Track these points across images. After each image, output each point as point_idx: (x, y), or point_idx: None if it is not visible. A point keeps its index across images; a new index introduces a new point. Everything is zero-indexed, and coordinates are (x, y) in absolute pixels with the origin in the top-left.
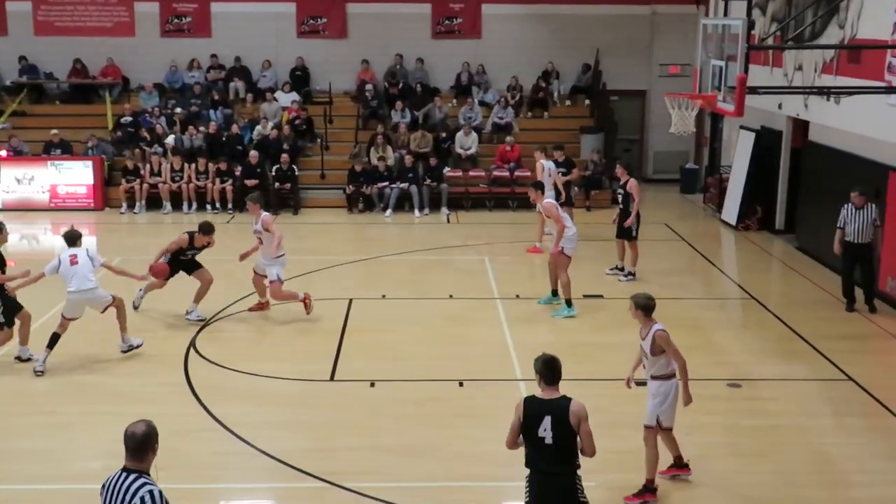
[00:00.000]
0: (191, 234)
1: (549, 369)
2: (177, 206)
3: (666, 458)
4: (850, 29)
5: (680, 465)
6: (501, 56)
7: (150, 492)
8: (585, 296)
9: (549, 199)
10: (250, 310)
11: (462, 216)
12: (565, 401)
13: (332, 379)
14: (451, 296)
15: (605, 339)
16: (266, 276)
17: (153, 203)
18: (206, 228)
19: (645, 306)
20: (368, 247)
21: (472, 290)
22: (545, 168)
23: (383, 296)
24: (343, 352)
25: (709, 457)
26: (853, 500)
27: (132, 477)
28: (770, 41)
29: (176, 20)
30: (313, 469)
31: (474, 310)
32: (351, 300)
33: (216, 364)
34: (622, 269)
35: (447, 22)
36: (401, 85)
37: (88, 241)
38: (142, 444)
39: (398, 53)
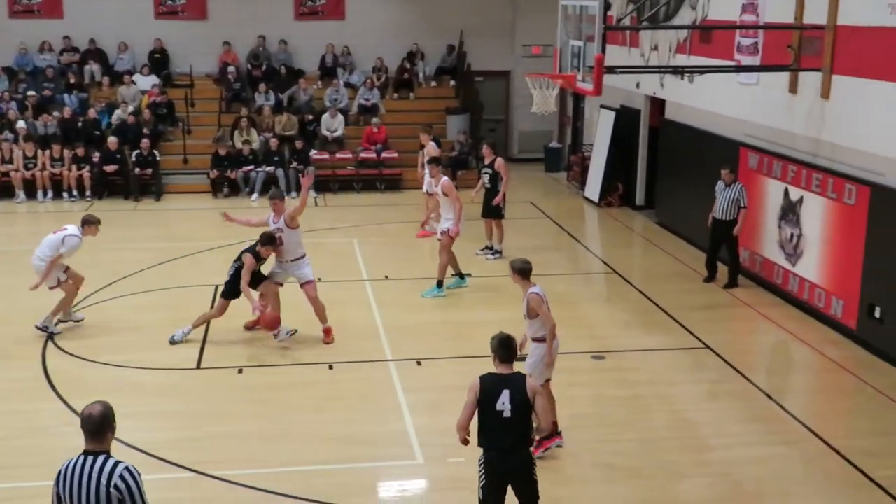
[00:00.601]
0: (253, 251)
1: (504, 348)
2: (31, 194)
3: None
4: (701, 10)
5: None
6: (366, 37)
7: (126, 468)
8: (453, 275)
9: (445, 178)
10: (248, 327)
11: (330, 199)
12: (521, 375)
13: (198, 367)
14: (319, 279)
15: (474, 316)
16: (281, 284)
17: (5, 192)
18: (267, 240)
19: (521, 269)
20: (234, 232)
21: (341, 273)
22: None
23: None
24: (209, 339)
25: (576, 427)
26: (713, 461)
27: (100, 459)
28: (627, 22)
29: (25, 1)
30: (181, 459)
31: (344, 292)
32: (217, 287)
33: (77, 357)
34: (491, 248)
35: (310, 3)
36: (264, 67)
37: None
38: (100, 425)
39: (261, 35)
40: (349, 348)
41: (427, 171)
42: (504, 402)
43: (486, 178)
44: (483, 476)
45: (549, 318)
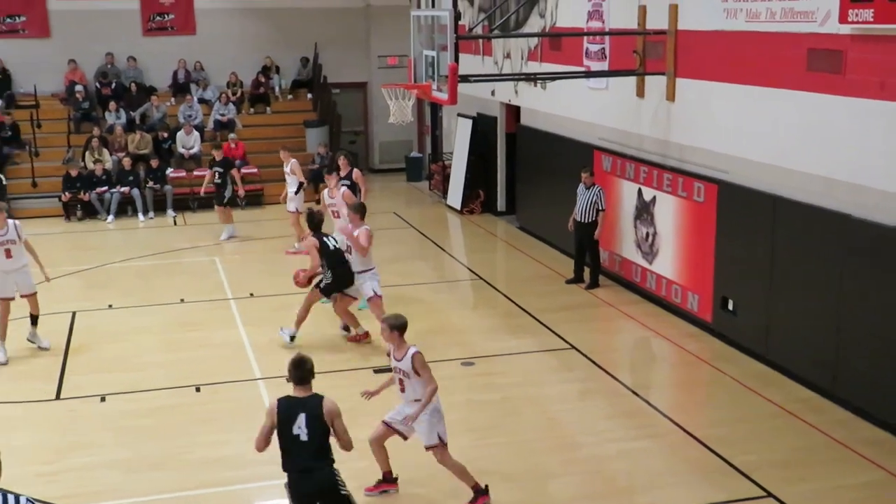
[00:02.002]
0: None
1: (296, 368)
2: None
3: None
4: (550, 18)
5: (388, 480)
6: (219, 52)
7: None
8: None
9: (366, 227)
10: (350, 339)
11: (189, 217)
12: (317, 398)
13: (57, 398)
14: (182, 300)
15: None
16: (356, 298)
17: None
18: (315, 219)
19: (401, 326)
20: (90, 256)
21: (204, 293)
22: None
23: (110, 306)
24: (69, 368)
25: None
26: (581, 459)
27: None
28: (479, 30)
29: None
30: (41, 494)
31: (208, 312)
32: (74, 313)
33: None
34: None
35: (158, 18)
36: (113, 85)
37: None
38: None
39: (108, 52)
40: (216, 369)
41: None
42: (301, 427)
43: (342, 189)
44: (289, 499)
45: (432, 380)
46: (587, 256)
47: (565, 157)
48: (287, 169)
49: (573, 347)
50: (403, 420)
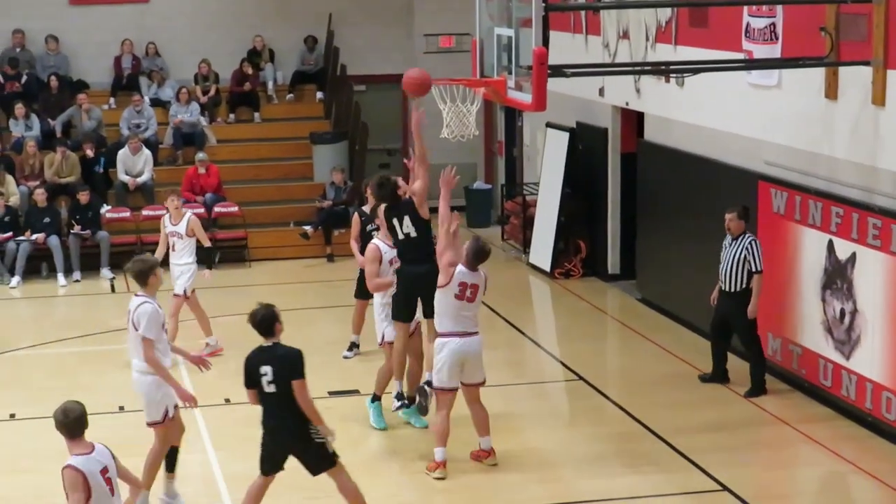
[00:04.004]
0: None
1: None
2: None
3: None
4: None
5: None
6: (183, 30)
7: None
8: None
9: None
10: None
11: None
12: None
13: None
14: (121, 408)
15: None
16: None
17: None
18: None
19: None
20: None
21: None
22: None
23: (12, 415)
24: None
25: None
26: None
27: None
28: None
29: None
30: None
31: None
32: None
33: None
34: (357, 345)
35: None
36: (24, 78)
37: None
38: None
39: (18, 30)
40: None
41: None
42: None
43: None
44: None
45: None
46: (738, 343)
47: (714, 191)
48: (178, 227)
49: (726, 489)
50: None
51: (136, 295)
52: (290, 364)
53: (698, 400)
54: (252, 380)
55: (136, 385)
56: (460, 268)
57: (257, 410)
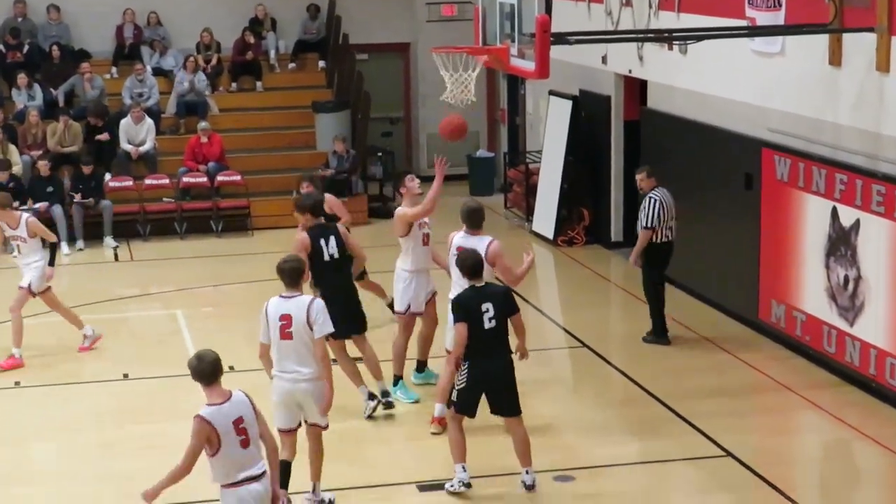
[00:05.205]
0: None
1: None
2: None
3: None
4: None
5: None
6: None
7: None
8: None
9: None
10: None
11: (138, 249)
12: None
13: None
14: (125, 375)
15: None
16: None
17: None
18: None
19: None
20: None
21: (158, 365)
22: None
23: (17, 383)
24: None
25: None
26: None
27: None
28: None
29: None
30: None
31: (163, 396)
32: None
33: None
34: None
35: None
36: (26, 48)
37: None
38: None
39: None
40: (174, 488)
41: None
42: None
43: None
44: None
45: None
46: (733, 304)
47: (717, 158)
48: (19, 231)
49: (729, 455)
50: None
51: (283, 296)
52: (509, 300)
53: (702, 366)
54: (471, 316)
55: (312, 391)
56: (459, 233)
57: (262, 378)
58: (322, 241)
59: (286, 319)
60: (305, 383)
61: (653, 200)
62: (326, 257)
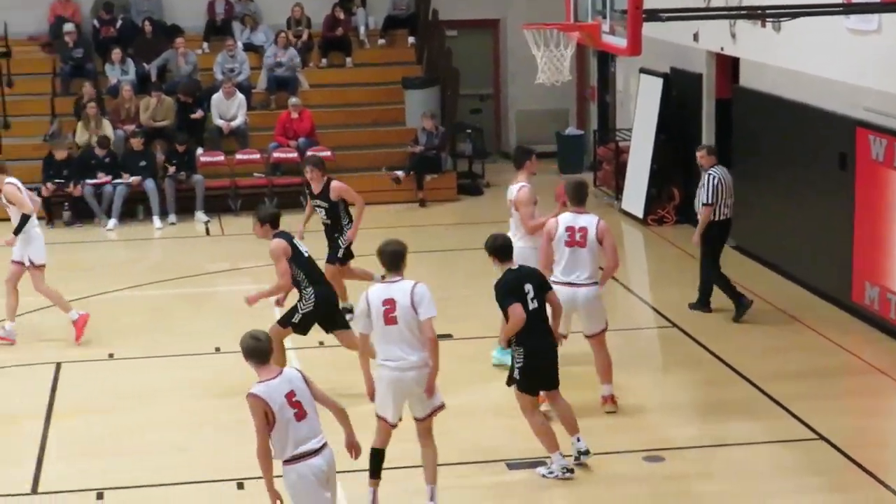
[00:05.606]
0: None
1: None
2: None
3: None
4: None
5: None
6: None
7: None
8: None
9: None
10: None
11: (229, 224)
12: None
13: (34, 491)
14: (217, 349)
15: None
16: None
17: None
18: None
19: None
20: (82, 279)
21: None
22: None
23: (110, 355)
24: (50, 446)
25: None
26: None
27: None
28: None
29: None
30: None
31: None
32: (59, 366)
33: None
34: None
35: None
36: (119, 23)
37: None
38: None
39: None
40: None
41: None
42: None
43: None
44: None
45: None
46: (817, 279)
47: (811, 137)
48: None
49: (822, 438)
50: None
51: (384, 281)
52: (543, 279)
53: (792, 346)
54: (519, 296)
55: (420, 380)
56: (565, 214)
57: (346, 355)
58: (294, 242)
59: (389, 304)
60: (414, 371)
61: (712, 177)
62: (305, 254)
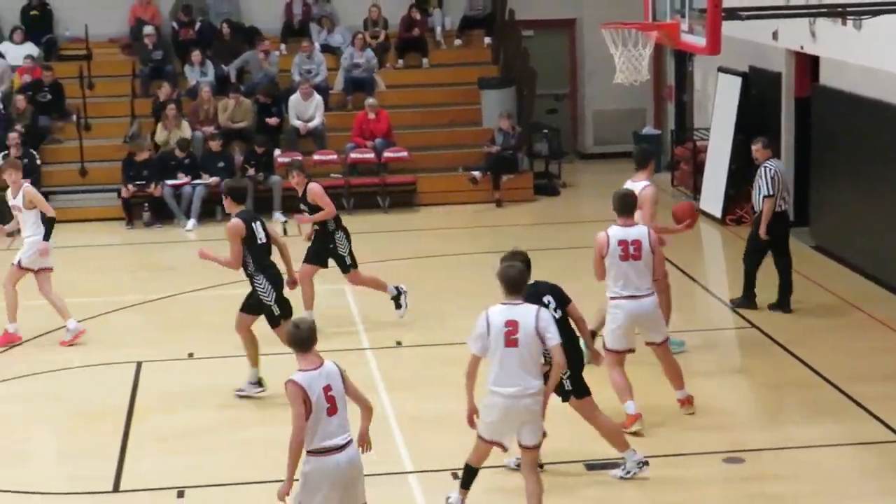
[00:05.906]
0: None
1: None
2: None
3: None
4: None
5: None
6: None
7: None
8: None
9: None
10: None
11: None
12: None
13: (116, 489)
14: None
15: None
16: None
17: None
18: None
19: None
20: (162, 279)
21: (326, 338)
22: None
23: (190, 355)
24: (132, 444)
25: None
26: None
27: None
28: None
29: None
30: None
31: None
32: (139, 365)
33: None
34: None
35: None
36: (198, 25)
37: None
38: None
39: None
40: None
41: None
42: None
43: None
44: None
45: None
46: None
47: (891, 136)
48: (17, 200)
49: None
50: None
51: (505, 303)
52: (560, 291)
53: (874, 348)
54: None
55: (535, 408)
56: (613, 228)
57: (429, 353)
58: (254, 225)
59: (512, 325)
60: (528, 399)
61: (768, 169)
62: (259, 241)
